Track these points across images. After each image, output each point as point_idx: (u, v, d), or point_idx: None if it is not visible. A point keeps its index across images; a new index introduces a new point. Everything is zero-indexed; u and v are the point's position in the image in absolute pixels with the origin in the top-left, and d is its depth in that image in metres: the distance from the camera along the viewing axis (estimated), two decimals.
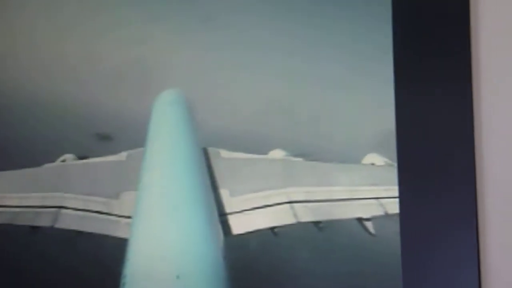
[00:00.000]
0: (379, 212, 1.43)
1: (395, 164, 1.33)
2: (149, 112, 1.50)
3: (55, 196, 1.57)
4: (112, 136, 1.52)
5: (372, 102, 1.34)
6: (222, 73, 1.42)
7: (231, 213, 1.49)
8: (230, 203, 1.49)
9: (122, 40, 1.46)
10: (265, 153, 1.47)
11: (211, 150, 1.51)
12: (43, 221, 1.57)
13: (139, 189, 1.51)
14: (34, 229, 1.55)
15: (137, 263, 1.53)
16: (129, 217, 1.51)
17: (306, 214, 1.47)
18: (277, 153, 1.50)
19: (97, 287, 1.45)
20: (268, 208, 1.49)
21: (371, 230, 1.46)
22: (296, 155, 1.44)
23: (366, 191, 1.44)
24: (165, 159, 1.52)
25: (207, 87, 1.43)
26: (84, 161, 1.53)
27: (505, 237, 1.26)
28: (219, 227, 1.51)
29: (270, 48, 1.40)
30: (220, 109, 1.43)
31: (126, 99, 1.46)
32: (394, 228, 1.33)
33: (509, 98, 1.26)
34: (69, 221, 1.55)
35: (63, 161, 1.60)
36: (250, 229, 1.50)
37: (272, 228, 1.51)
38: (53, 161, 1.57)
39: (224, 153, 1.53)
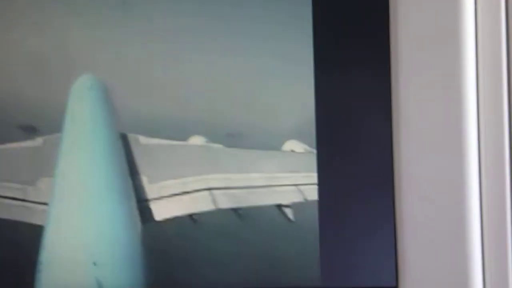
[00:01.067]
0: (298, 198, 1.43)
1: (315, 151, 1.33)
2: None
3: None
4: (37, 128, 1.49)
5: (293, 87, 1.33)
6: (141, 59, 1.40)
7: (149, 200, 1.47)
8: (148, 190, 1.47)
9: (37, 27, 1.43)
10: (185, 140, 1.46)
11: (129, 136, 1.49)
12: None
13: (55, 175, 1.47)
14: None
15: (54, 250, 1.49)
16: (45, 203, 1.48)
17: (225, 201, 1.46)
18: (196, 140, 1.49)
19: (13, 274, 1.42)
20: (187, 195, 1.47)
21: (290, 216, 1.46)
22: (216, 142, 1.43)
23: (286, 177, 1.44)
24: (82, 145, 1.49)
25: (125, 72, 1.41)
26: None
27: (420, 225, 1.27)
28: (137, 214, 1.49)
29: (188, 33, 1.38)
30: (138, 94, 1.40)
31: (45, 88, 1.43)
32: (313, 215, 1.33)
33: (425, 84, 1.27)
34: None
35: None
36: (169, 216, 1.48)
37: (191, 215, 1.49)
38: None
39: (143, 139, 1.51)
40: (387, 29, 1.25)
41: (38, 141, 1.51)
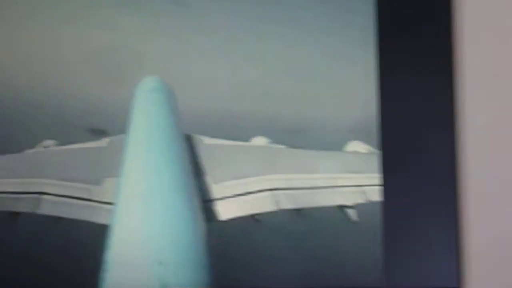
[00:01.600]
0: (361, 199, 1.44)
1: (378, 152, 1.33)
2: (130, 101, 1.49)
3: (36, 182, 1.55)
4: (106, 130, 1.51)
5: (354, 87, 1.34)
6: (202, 59, 1.41)
7: (212, 200, 1.48)
8: (211, 190, 1.49)
9: (93, 26, 1.45)
10: (247, 140, 1.47)
11: (193, 136, 1.51)
12: (24, 207, 1.55)
13: (120, 175, 1.50)
14: (14, 215, 1.52)
15: (119, 249, 1.51)
16: (110, 203, 1.50)
17: (287, 202, 1.47)
18: (259, 140, 1.50)
19: (78, 274, 1.44)
20: (250, 195, 1.49)
21: (353, 217, 1.46)
22: (278, 142, 1.44)
23: (348, 178, 1.45)
24: (146, 146, 1.50)
25: (188, 73, 1.42)
26: (65, 147, 1.51)
27: (484, 227, 1.27)
28: (201, 214, 1.50)
29: (246, 32, 1.39)
30: (200, 95, 1.42)
31: (109, 88, 1.45)
32: (376, 216, 1.33)
33: (490, 87, 1.27)
34: (50, 207, 1.54)
35: (45, 147, 1.59)
36: (232, 216, 1.49)
37: (253, 215, 1.51)
38: (33, 147, 1.55)
39: (206, 140, 1.52)
40: (452, 28, 1.25)
41: (104, 141, 1.54)
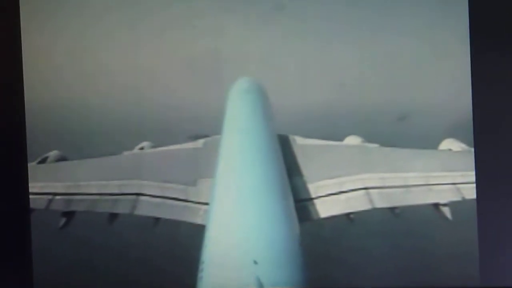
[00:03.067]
0: (455, 197, 1.43)
1: (473, 150, 1.32)
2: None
3: (134, 183, 1.59)
4: (208, 135, 1.54)
5: (449, 87, 1.33)
6: (295, 61, 1.42)
7: (307, 199, 1.50)
8: (305, 190, 1.50)
9: (197, 31, 1.47)
10: (341, 140, 1.48)
11: (286, 137, 1.52)
12: (122, 208, 1.58)
13: (215, 176, 1.52)
14: (113, 216, 1.56)
15: (215, 249, 1.54)
16: (206, 203, 1.53)
17: (381, 200, 1.47)
18: (352, 140, 1.51)
19: (175, 273, 1.47)
20: (344, 194, 1.49)
21: (448, 215, 1.46)
22: (372, 141, 1.44)
23: (443, 176, 1.44)
24: (241, 146, 1.53)
25: (282, 75, 1.44)
26: (162, 148, 1.55)
27: None
28: (295, 213, 1.52)
29: (340, 34, 1.40)
30: (294, 96, 1.43)
31: (203, 91, 1.47)
32: (472, 213, 1.32)
33: None
34: (147, 208, 1.57)
35: (141, 148, 1.62)
36: (326, 215, 1.50)
37: (347, 214, 1.51)
38: (131, 149, 1.59)
39: (300, 140, 1.54)
40: None
41: (199, 142, 1.57)
